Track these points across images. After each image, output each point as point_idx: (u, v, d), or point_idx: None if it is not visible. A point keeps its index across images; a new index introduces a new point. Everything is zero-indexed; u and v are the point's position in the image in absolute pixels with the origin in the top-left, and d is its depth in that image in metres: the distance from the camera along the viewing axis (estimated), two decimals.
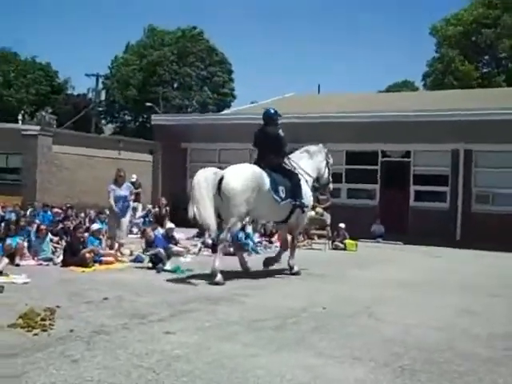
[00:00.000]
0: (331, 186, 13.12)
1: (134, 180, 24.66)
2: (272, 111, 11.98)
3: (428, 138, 19.63)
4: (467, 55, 49.03)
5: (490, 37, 47.77)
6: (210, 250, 14.06)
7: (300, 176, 11.58)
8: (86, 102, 57.70)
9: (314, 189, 12.48)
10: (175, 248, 12.94)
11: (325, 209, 18.07)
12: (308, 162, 12.17)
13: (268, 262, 11.88)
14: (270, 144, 11.37)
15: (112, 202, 13.32)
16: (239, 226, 11.04)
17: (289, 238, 12.13)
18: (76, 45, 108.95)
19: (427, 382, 5.09)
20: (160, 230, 14.17)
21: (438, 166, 20.22)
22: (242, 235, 14.44)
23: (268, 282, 10.47)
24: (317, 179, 12.44)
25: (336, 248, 16.92)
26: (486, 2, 49.35)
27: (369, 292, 9.61)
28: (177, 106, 59.56)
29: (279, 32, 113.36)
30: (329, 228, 17.60)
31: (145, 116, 59.00)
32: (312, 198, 12.18)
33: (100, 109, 61.37)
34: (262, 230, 17.07)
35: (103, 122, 65.45)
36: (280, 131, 11.62)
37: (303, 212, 11.64)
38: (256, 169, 10.82)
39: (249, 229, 15.69)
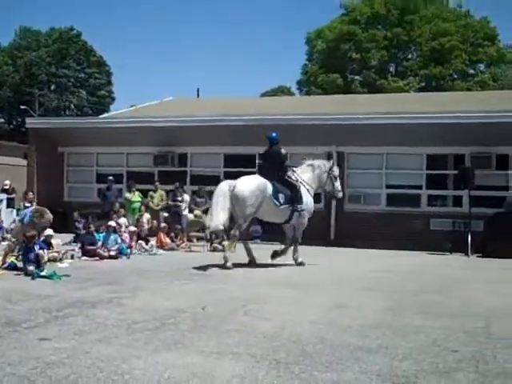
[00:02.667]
0: (340, 194, 15.09)
1: (7, 187, 23.80)
2: (274, 135, 14.39)
3: (302, 141, 20.23)
4: (330, 69, 51.53)
5: (347, 51, 50.48)
6: (86, 255, 14.10)
7: (301, 186, 13.93)
8: None
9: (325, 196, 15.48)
10: (52, 254, 12.66)
11: (203, 211, 18.23)
12: (309, 175, 14.31)
13: (274, 254, 14.01)
14: (273, 160, 14.06)
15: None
16: (248, 221, 13.68)
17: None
18: None
19: (300, 372, 5.29)
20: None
21: None
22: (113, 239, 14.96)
23: (147, 284, 10.43)
24: (320, 188, 14.75)
25: (215, 250, 17.07)
26: (351, 19, 52.05)
27: (247, 291, 9.81)
28: (53, 109, 57.79)
29: (161, 36, 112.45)
30: (207, 230, 17.74)
31: (19, 119, 56.84)
32: (312, 205, 14.29)
33: None
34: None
35: None
36: (282, 150, 14.14)
37: (300, 215, 13.90)
38: (261, 179, 13.50)
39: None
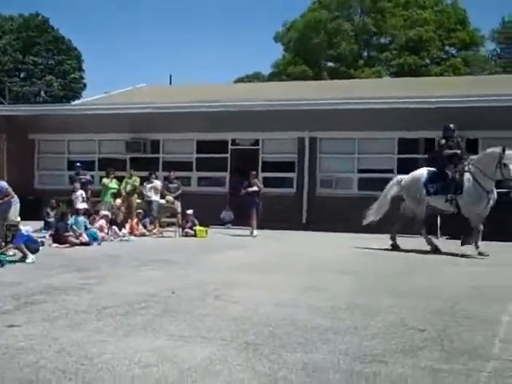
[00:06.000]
0: None
1: None
2: (445, 126, 14.73)
3: (275, 127, 20.31)
4: (302, 58, 51.40)
5: (318, 42, 50.31)
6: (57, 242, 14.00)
7: (469, 176, 13.77)
8: None
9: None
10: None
11: (175, 197, 18.26)
12: (481, 164, 13.84)
13: (464, 240, 13.82)
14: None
15: None
16: (421, 212, 14.55)
17: None
18: None
19: (269, 353, 5.32)
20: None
21: (285, 153, 21.00)
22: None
23: (118, 270, 10.42)
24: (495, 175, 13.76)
25: (187, 235, 17.15)
26: (322, 6, 51.87)
27: (218, 276, 9.84)
28: (24, 96, 57.06)
29: (132, 23, 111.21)
30: (179, 216, 17.79)
31: None
32: (480, 195, 13.70)
33: None
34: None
35: None
36: (441, 141, 14.70)
37: (463, 204, 13.82)
38: (420, 170, 14.81)
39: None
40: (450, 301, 7.76)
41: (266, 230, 18.03)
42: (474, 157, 14.34)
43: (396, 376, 4.76)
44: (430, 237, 14.70)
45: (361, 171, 20.52)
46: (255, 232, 17.58)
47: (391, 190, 15.16)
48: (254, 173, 18.71)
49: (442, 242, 16.17)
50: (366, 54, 54.92)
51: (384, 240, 15.01)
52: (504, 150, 13.53)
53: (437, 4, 52.05)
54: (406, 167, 19.86)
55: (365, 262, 12.14)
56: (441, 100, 19.06)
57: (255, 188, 18.05)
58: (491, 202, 13.84)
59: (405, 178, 15.04)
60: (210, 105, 21.25)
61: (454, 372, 4.86)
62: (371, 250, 14.24)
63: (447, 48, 52.67)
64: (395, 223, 14.96)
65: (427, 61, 50.03)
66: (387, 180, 19.87)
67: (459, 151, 14.42)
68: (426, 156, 19.44)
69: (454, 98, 19.18)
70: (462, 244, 13.88)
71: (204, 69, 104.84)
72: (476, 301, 7.86)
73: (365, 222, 14.98)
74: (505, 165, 13.53)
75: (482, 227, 13.62)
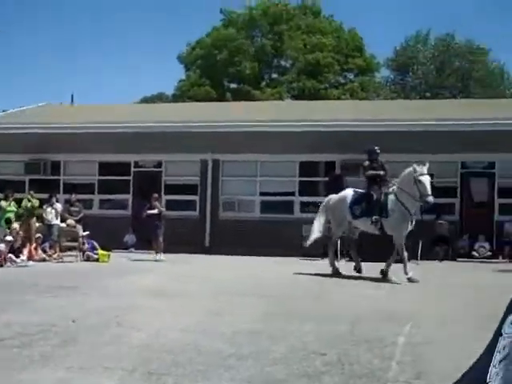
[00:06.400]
0: (429, 198, 13.19)
1: None
2: (371, 149, 14.38)
3: (178, 149, 20.28)
4: (207, 77, 51.59)
5: (224, 58, 50.69)
6: None
7: (393, 197, 13.44)
8: None
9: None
10: None
11: (77, 221, 17.86)
12: (401, 185, 13.55)
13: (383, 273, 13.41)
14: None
15: None
16: (339, 232, 14.86)
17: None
18: None
19: (172, 383, 5.30)
20: None
21: (188, 175, 20.99)
22: None
23: (14, 298, 9.99)
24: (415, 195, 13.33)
25: (88, 259, 16.77)
26: (227, 24, 52.37)
27: (120, 301, 9.64)
28: None
29: (32, 39, 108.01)
30: (81, 239, 17.39)
31: None
32: (404, 216, 13.33)
33: None
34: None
35: None
36: (364, 163, 14.35)
37: (389, 227, 13.48)
38: (346, 192, 14.52)
39: None
40: (349, 324, 7.96)
41: (169, 253, 17.89)
42: (396, 179, 14.02)
43: None
44: (333, 260, 14.91)
45: (263, 194, 20.76)
46: (158, 256, 17.40)
47: (323, 211, 14.93)
48: (156, 195, 18.55)
49: (343, 265, 16.58)
50: (267, 75, 55.74)
51: (288, 264, 15.20)
52: (416, 166, 13.37)
53: (336, 30, 53.75)
54: (307, 190, 20.43)
55: (269, 285, 12.21)
56: (340, 124, 19.63)
57: (156, 211, 17.93)
58: (412, 225, 13.55)
59: (333, 197, 14.85)
60: (112, 125, 21.00)
61: None
62: (276, 273, 14.36)
63: (345, 73, 54.36)
64: (350, 249, 14.92)
65: (326, 85, 51.39)
66: (289, 203, 20.39)
67: (382, 172, 14.19)
68: (327, 179, 19.98)
69: (354, 122, 19.80)
70: (386, 267, 13.60)
71: (107, 88, 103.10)
72: (374, 323, 8.08)
73: (306, 244, 14.99)
74: (419, 181, 13.22)
75: (406, 253, 13.36)
